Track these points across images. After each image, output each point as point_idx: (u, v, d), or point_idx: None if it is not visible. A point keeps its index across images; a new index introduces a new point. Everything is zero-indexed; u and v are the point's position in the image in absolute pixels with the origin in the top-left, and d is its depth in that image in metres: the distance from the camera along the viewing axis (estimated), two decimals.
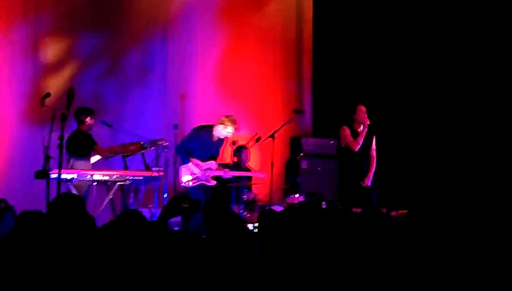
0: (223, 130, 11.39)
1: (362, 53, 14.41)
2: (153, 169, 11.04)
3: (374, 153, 11.90)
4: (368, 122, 11.78)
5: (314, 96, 14.76)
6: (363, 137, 11.78)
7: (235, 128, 11.42)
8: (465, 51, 13.52)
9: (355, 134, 11.81)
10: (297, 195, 11.99)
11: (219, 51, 14.02)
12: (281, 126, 12.15)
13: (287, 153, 13.61)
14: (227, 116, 11.45)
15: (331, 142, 13.30)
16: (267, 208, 10.05)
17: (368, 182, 11.72)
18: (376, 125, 12.01)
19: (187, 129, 12.22)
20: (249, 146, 12.16)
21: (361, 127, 11.82)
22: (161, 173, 10.99)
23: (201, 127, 11.56)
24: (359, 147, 11.75)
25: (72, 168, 10.59)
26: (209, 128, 11.47)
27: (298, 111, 12.66)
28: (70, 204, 5.76)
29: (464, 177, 12.92)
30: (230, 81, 14.05)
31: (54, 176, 9.66)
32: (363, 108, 11.87)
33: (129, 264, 3.84)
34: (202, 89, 13.85)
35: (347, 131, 11.86)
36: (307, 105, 14.54)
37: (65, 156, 10.43)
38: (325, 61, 14.70)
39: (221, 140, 11.54)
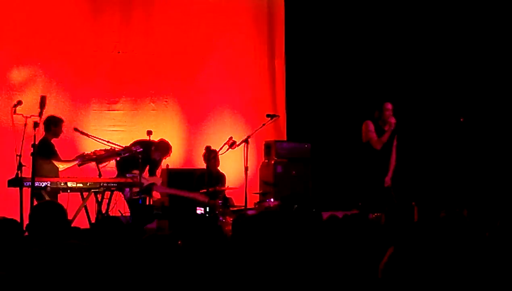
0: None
1: (336, 56, 14.44)
2: (127, 175, 11.03)
3: (394, 151, 11.69)
4: (394, 121, 11.51)
5: (287, 101, 14.76)
6: (388, 136, 11.56)
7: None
8: (446, 48, 13.61)
9: (380, 132, 11.57)
10: (272, 200, 11.97)
11: (189, 56, 13.98)
12: (255, 131, 12.16)
13: (262, 158, 13.59)
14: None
15: (306, 146, 13.30)
16: (241, 213, 10.05)
17: (389, 180, 11.58)
18: (401, 124, 11.75)
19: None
20: (224, 150, 12.12)
21: (387, 126, 11.55)
22: (136, 179, 10.96)
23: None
24: (380, 146, 11.51)
25: (40, 173, 10.55)
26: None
27: (272, 116, 12.63)
28: (52, 212, 5.75)
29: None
30: (201, 87, 14.02)
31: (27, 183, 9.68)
32: (389, 106, 11.57)
33: (111, 270, 3.81)
34: (175, 94, 13.82)
35: (371, 127, 11.56)
36: (281, 110, 14.53)
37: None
38: (298, 65, 14.71)
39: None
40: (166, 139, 11.91)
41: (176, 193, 11.95)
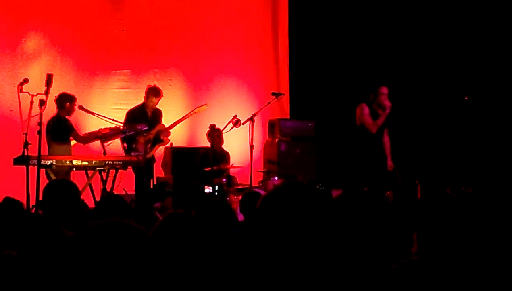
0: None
1: (339, 34, 14.40)
2: (132, 153, 11.06)
3: (387, 134, 11.58)
4: (390, 104, 11.32)
5: (291, 79, 14.75)
6: (383, 120, 11.39)
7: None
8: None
9: (374, 116, 11.41)
10: (276, 178, 12.00)
11: (193, 35, 13.98)
12: (260, 109, 12.18)
13: (266, 136, 13.60)
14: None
15: (310, 124, 13.31)
16: (248, 191, 10.06)
17: (392, 164, 11.57)
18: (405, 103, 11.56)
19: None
20: (228, 129, 12.12)
21: (382, 110, 11.38)
22: (140, 158, 11.00)
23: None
24: (376, 129, 11.34)
25: (52, 153, 10.64)
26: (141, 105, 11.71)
27: (277, 94, 12.63)
28: (65, 190, 5.80)
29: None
30: (205, 65, 14.03)
31: (33, 162, 9.74)
32: (384, 90, 11.39)
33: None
34: (179, 72, 13.83)
35: (366, 110, 11.38)
36: (285, 88, 14.53)
37: (45, 141, 10.51)
38: (302, 43, 14.69)
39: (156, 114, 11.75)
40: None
41: (178, 122, 11.96)
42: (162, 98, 11.76)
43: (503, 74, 13.23)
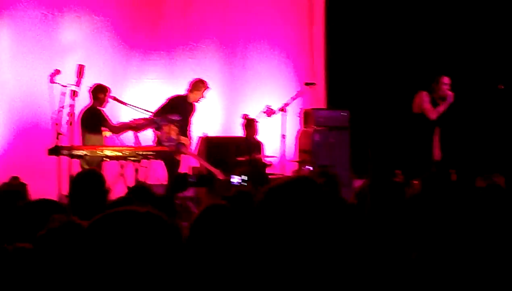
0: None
1: (378, 23, 14.27)
2: (165, 143, 11.07)
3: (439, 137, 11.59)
4: (452, 94, 11.33)
5: (328, 68, 14.66)
6: (445, 108, 11.38)
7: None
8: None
9: (434, 105, 11.43)
10: (310, 167, 11.96)
11: (228, 24, 13.97)
12: (292, 99, 12.13)
13: (300, 126, 13.54)
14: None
15: (343, 114, 13.21)
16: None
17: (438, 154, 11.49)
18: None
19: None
20: (261, 118, 12.09)
21: (442, 100, 11.36)
22: (173, 148, 11.01)
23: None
24: (436, 115, 11.37)
25: (85, 143, 10.72)
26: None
27: (310, 84, 12.58)
28: (92, 181, 5.84)
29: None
30: (240, 55, 14.01)
31: (66, 152, 9.81)
32: (446, 80, 11.45)
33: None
34: (214, 63, 13.83)
35: (426, 97, 11.43)
36: (320, 77, 14.45)
37: (78, 132, 10.61)
38: (340, 32, 14.57)
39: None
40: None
41: (197, 160, 11.98)
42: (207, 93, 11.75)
43: None
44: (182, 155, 11.50)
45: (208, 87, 11.69)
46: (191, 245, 3.74)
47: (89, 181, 5.99)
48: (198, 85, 11.65)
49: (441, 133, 11.68)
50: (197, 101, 11.68)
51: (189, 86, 11.67)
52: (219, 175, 11.39)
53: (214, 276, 3.41)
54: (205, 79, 11.78)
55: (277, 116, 11.82)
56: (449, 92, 11.33)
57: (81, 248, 2.22)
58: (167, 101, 11.64)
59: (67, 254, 3.37)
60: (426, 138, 11.43)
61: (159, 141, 11.20)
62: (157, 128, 11.20)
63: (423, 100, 11.40)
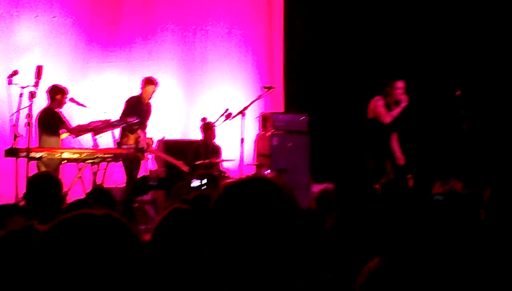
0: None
1: (335, 28, 14.35)
2: (123, 146, 11.04)
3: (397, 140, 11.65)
4: (407, 99, 11.33)
5: (286, 72, 14.70)
6: (399, 112, 11.36)
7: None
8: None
9: (390, 110, 11.42)
10: (268, 171, 11.98)
11: (188, 26, 13.96)
12: (251, 103, 12.14)
13: (257, 130, 13.56)
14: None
15: (302, 118, 13.26)
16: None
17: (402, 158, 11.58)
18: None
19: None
20: (220, 122, 12.10)
21: (396, 104, 11.34)
22: (131, 151, 10.98)
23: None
24: (390, 119, 11.34)
25: (42, 145, 10.62)
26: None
27: (269, 88, 12.61)
28: (47, 183, 5.78)
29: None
30: (199, 58, 14.00)
31: (23, 154, 9.73)
32: (399, 84, 11.39)
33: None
34: (172, 65, 13.80)
35: (380, 102, 11.39)
36: (279, 82, 14.50)
37: (36, 133, 10.51)
38: (298, 36, 14.63)
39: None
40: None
41: (162, 156, 12.02)
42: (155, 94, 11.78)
43: (494, 70, 13.22)
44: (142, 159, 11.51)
45: (157, 84, 11.81)
46: (153, 249, 3.73)
47: (44, 183, 5.92)
48: (147, 83, 11.77)
49: (399, 138, 11.74)
50: (149, 99, 11.79)
51: (141, 84, 11.77)
52: (183, 167, 11.48)
53: (175, 280, 3.40)
54: (153, 77, 11.90)
55: (236, 120, 11.82)
56: (403, 96, 11.35)
57: (38, 251, 2.20)
58: (126, 104, 11.64)
59: (25, 258, 3.32)
60: (382, 143, 11.47)
61: (119, 144, 11.16)
62: (130, 131, 11.23)
63: (377, 105, 11.40)
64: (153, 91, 11.77)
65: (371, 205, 4.96)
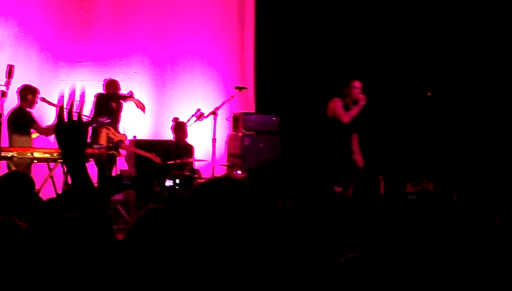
0: None
1: (306, 29, 14.38)
2: (94, 146, 11.01)
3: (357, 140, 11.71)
4: (365, 100, 11.42)
5: (257, 73, 14.73)
6: (357, 112, 11.45)
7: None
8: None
9: (347, 110, 11.48)
10: (239, 172, 12.00)
11: (159, 27, 13.94)
12: (223, 103, 12.17)
13: (230, 130, 13.58)
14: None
15: (273, 119, 13.30)
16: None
17: (361, 160, 11.63)
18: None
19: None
20: (192, 122, 12.11)
21: (354, 104, 11.44)
22: (103, 151, 10.96)
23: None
24: (349, 119, 11.41)
25: (12, 145, 10.58)
26: None
27: (241, 88, 12.64)
28: (19, 182, 5.75)
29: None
30: (170, 58, 13.99)
31: None
32: (357, 84, 11.51)
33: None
34: (144, 64, 13.79)
35: (339, 103, 11.47)
36: (250, 82, 14.52)
37: (6, 133, 10.46)
38: (269, 36, 14.64)
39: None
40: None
41: (135, 151, 12.03)
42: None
43: (466, 71, 13.32)
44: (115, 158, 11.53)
45: (118, 83, 12.15)
46: (128, 249, 3.74)
47: (16, 182, 5.90)
48: (109, 85, 12.15)
49: (360, 139, 11.81)
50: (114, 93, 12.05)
51: (103, 86, 12.10)
52: (155, 159, 11.53)
53: (150, 279, 3.42)
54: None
55: (208, 121, 11.84)
56: (361, 96, 11.44)
57: (17, 251, 2.21)
58: (95, 99, 11.69)
59: (4, 256, 3.33)
60: (341, 143, 11.54)
61: (90, 144, 11.15)
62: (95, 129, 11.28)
63: (336, 105, 11.48)
64: (116, 92, 12.03)
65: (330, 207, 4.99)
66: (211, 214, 2.44)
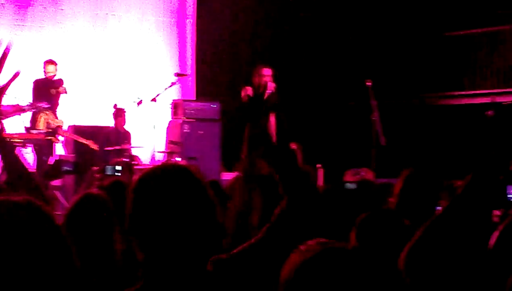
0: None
1: (248, 14, 14.40)
2: (33, 131, 10.90)
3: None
4: (274, 86, 11.53)
5: (198, 60, 14.70)
6: (265, 98, 11.57)
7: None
8: None
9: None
10: (179, 159, 11.96)
11: (97, 13, 13.83)
12: (164, 90, 12.12)
13: (169, 117, 13.53)
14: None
15: (214, 106, 13.27)
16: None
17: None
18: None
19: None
20: (131, 109, 12.06)
21: (264, 90, 11.57)
22: (41, 136, 10.85)
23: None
24: (245, 107, 11.67)
25: None
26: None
27: (181, 75, 12.60)
28: None
29: None
30: (110, 44, 13.89)
31: None
32: (267, 72, 11.64)
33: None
34: (83, 51, 13.67)
35: (248, 91, 11.66)
36: (191, 69, 14.49)
37: None
38: (209, 24, 14.63)
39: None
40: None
41: (73, 137, 11.96)
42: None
43: (403, 61, 13.50)
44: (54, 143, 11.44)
45: (54, 63, 11.99)
46: (66, 234, 3.72)
47: None
48: (47, 64, 12.00)
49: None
50: (52, 79, 11.92)
51: (43, 67, 11.98)
52: (93, 145, 11.47)
53: (86, 265, 3.41)
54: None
55: (149, 107, 11.80)
56: (270, 83, 11.57)
57: None
58: (35, 84, 11.62)
59: None
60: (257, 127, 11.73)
61: (28, 129, 11.04)
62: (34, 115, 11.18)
63: (246, 93, 11.65)
64: (54, 70, 11.98)
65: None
66: (160, 201, 2.46)
